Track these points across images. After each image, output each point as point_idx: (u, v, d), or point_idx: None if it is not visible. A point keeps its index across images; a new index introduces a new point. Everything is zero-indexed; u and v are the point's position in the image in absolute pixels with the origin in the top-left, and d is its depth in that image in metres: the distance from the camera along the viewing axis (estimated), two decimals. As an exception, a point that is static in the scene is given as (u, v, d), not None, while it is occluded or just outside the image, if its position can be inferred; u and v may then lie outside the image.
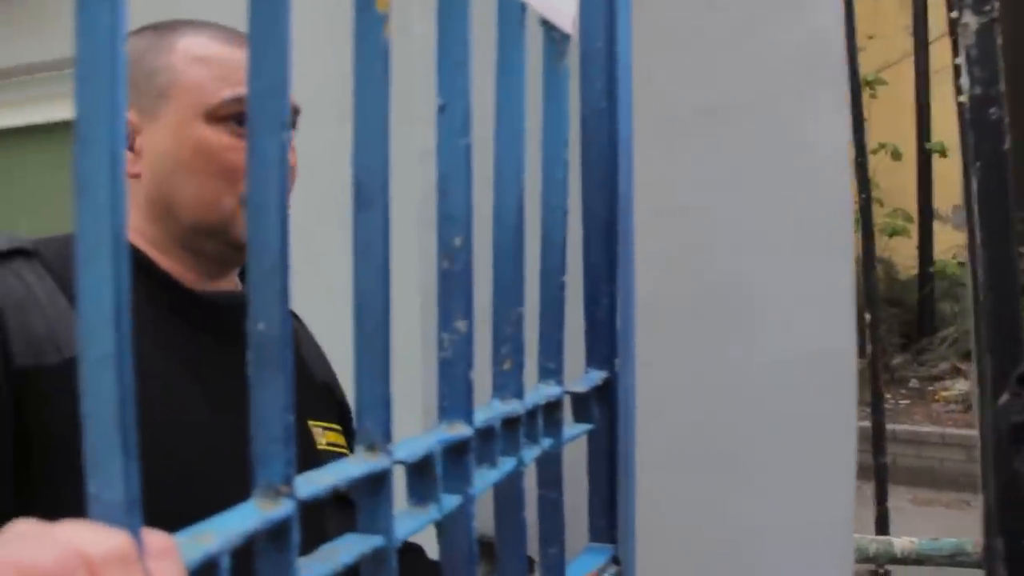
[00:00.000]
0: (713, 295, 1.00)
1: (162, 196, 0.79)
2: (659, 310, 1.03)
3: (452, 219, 0.54)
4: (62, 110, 2.25)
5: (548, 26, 0.71)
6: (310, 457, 0.84)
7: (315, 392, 0.93)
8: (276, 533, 0.38)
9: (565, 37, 0.72)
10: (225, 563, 0.33)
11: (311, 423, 0.89)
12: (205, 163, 0.77)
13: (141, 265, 0.79)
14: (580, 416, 0.80)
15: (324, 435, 0.89)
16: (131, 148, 0.81)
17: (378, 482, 0.45)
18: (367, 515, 0.45)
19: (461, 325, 0.54)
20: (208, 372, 0.78)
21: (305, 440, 0.87)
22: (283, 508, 0.38)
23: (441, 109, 0.55)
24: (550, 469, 0.71)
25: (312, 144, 1.21)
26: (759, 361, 0.97)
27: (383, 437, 0.46)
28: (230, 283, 0.87)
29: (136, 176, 0.81)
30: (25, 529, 0.29)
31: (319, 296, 1.47)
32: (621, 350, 0.83)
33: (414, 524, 0.48)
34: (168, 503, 0.59)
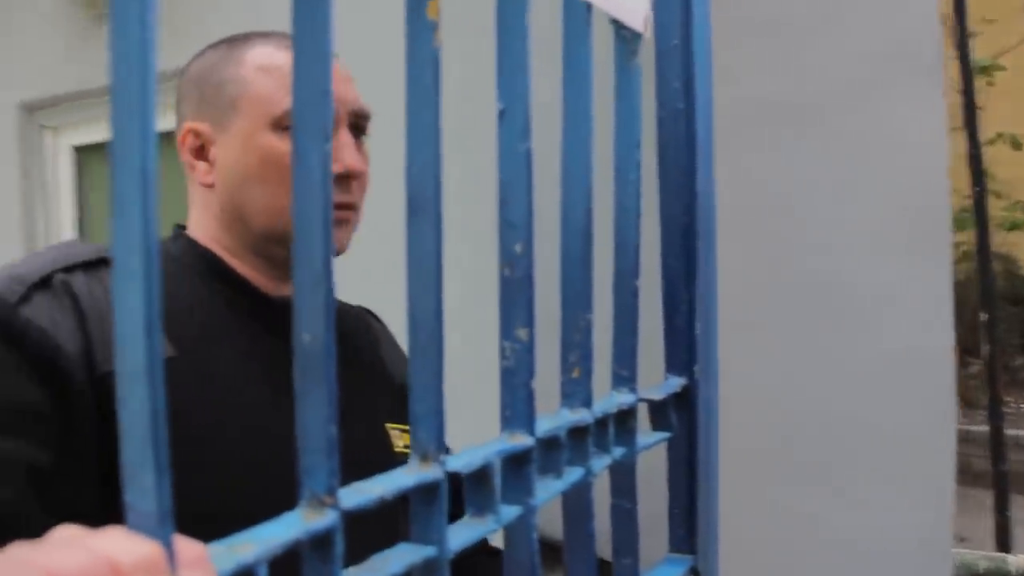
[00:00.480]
0: (801, 296, 0.96)
1: (234, 205, 0.81)
2: (744, 313, 1.00)
3: (513, 226, 0.54)
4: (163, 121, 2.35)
5: (619, 24, 0.69)
6: (386, 460, 0.85)
7: (394, 394, 0.94)
8: (320, 543, 0.38)
9: (636, 35, 0.70)
10: (262, 573, 0.33)
11: (389, 426, 0.89)
12: (272, 171, 0.79)
13: (219, 271, 0.82)
14: (657, 424, 0.78)
15: (402, 437, 0.90)
16: (205, 159, 0.83)
17: (431, 492, 0.45)
18: (420, 525, 0.45)
19: (522, 333, 0.53)
20: (280, 375, 0.79)
21: (382, 443, 0.88)
22: (327, 519, 0.38)
23: (501, 114, 0.54)
24: (624, 478, 0.69)
25: (395, 147, 1.23)
26: (850, 363, 0.93)
27: (436, 447, 0.45)
28: None
29: (210, 186, 0.83)
30: (64, 535, 0.30)
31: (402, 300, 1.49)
32: (701, 356, 0.81)
33: (470, 534, 0.48)
34: (241, 505, 0.60)
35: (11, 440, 0.63)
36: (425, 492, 0.45)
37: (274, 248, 0.82)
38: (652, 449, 0.84)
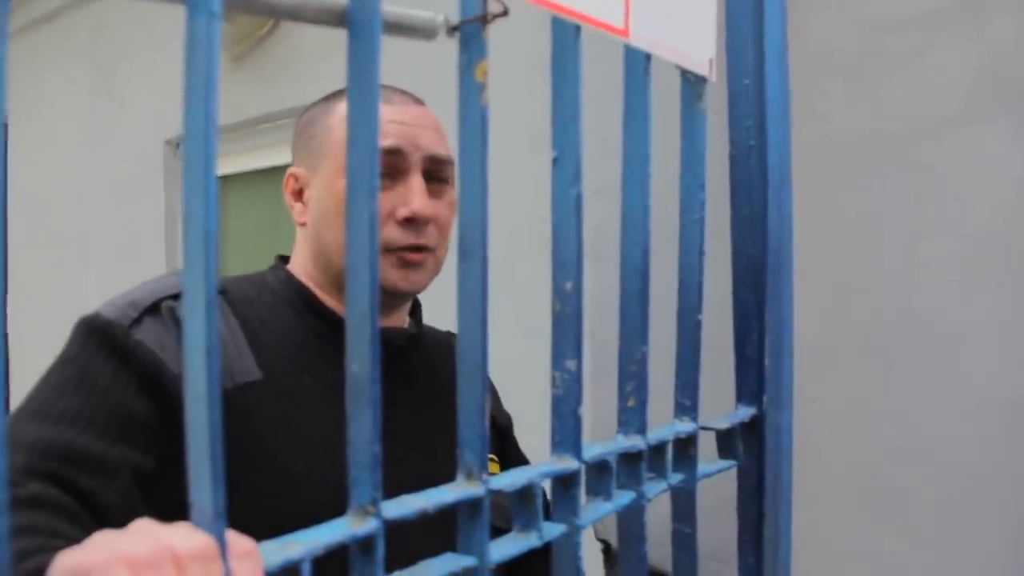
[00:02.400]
0: (885, 332, 0.96)
1: (320, 243, 0.88)
2: (826, 348, 1.00)
3: (564, 265, 0.58)
4: (281, 156, 2.51)
5: (684, 69, 0.72)
6: None
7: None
8: (365, 547, 0.43)
9: (701, 80, 0.73)
10: (306, 569, 0.39)
11: None
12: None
13: (309, 303, 0.89)
14: (724, 453, 0.80)
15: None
16: (302, 201, 0.91)
17: (475, 507, 0.50)
18: (464, 537, 0.50)
19: (571, 364, 0.57)
20: None
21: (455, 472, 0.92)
22: (370, 526, 0.43)
23: (555, 161, 0.59)
24: (683, 503, 0.72)
25: (506, 173, 1.29)
26: (933, 402, 0.91)
27: (480, 468, 0.50)
28: (395, 320, 0.94)
29: (304, 225, 0.90)
30: (140, 526, 0.37)
31: (513, 315, 1.54)
32: (771, 386, 0.82)
33: (512, 548, 0.52)
34: (315, 519, 0.66)
35: (120, 447, 0.71)
36: (469, 507, 0.50)
37: (378, 311, 0.88)
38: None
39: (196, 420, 0.35)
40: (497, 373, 1.10)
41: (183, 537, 0.35)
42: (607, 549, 1.22)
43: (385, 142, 0.86)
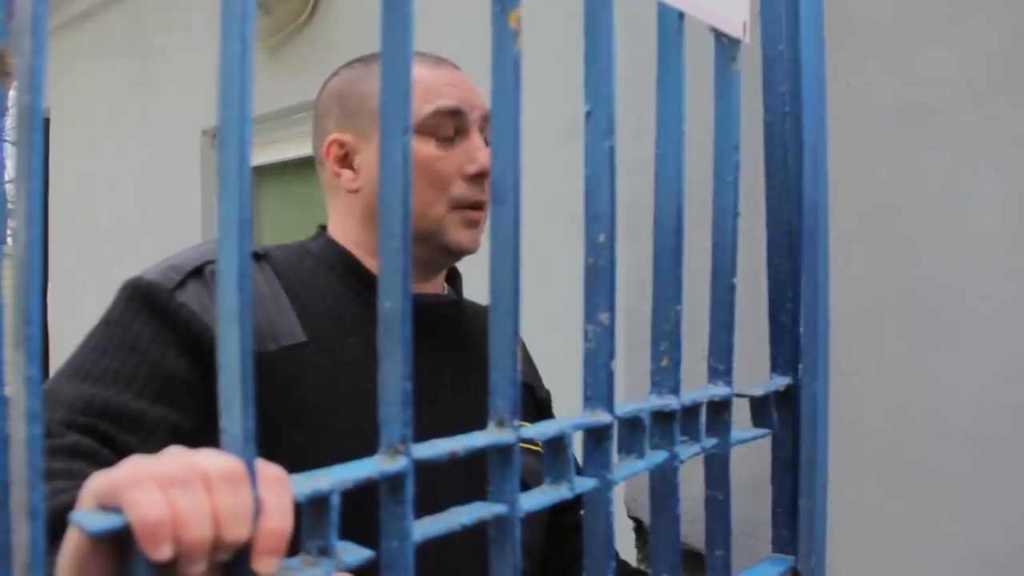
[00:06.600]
0: (924, 304, 0.94)
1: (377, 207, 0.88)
2: (865, 319, 0.99)
3: (598, 217, 0.57)
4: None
5: (718, 31, 0.72)
6: None
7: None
8: (394, 485, 0.43)
9: (735, 42, 0.72)
10: (335, 500, 0.39)
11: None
12: (416, 174, 0.84)
13: (352, 268, 0.89)
14: (759, 421, 0.79)
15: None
16: (350, 167, 0.90)
17: (505, 454, 0.49)
18: (494, 485, 0.49)
19: (604, 317, 0.56)
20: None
21: None
22: (400, 464, 0.43)
23: (588, 115, 0.58)
24: (716, 469, 0.71)
25: (539, 159, 1.29)
26: (970, 373, 0.90)
27: (511, 414, 0.50)
28: (436, 286, 0.94)
29: (355, 191, 0.90)
30: (171, 450, 0.37)
31: (546, 303, 1.54)
32: (806, 356, 0.81)
33: (543, 500, 0.52)
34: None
35: (158, 406, 0.72)
36: (500, 454, 0.49)
37: (415, 246, 0.88)
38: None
39: (227, 343, 0.35)
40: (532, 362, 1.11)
41: (213, 459, 0.35)
42: (639, 527, 1.22)
43: (448, 103, 0.87)
